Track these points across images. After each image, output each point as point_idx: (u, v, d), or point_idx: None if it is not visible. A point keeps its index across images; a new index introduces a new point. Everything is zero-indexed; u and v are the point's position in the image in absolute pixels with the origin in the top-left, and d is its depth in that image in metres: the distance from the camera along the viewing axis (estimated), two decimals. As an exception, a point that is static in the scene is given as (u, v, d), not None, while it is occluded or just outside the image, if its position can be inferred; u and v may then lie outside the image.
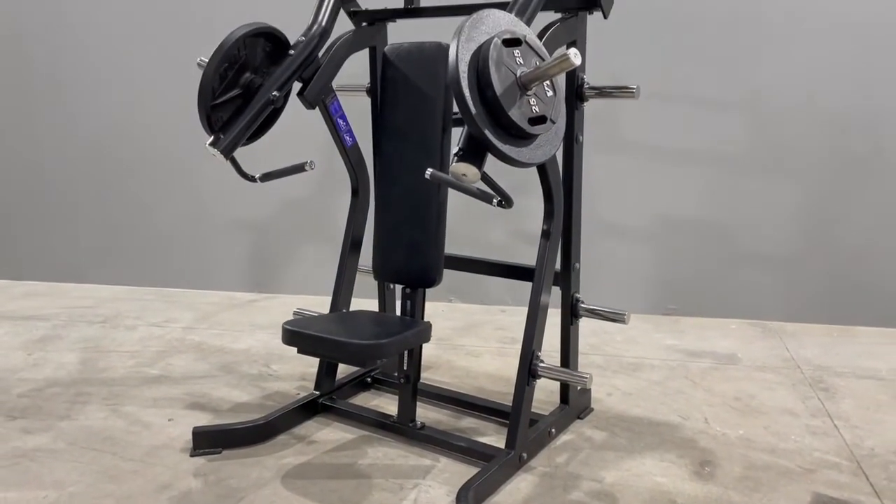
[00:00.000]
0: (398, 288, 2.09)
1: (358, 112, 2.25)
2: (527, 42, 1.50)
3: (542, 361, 1.86)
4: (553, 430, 2.00)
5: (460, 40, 1.41)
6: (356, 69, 2.21)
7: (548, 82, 1.51)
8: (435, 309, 3.12)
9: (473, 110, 1.40)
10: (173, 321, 3.07)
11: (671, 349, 2.74)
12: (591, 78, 1.93)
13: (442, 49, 1.92)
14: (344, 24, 2.09)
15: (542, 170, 1.80)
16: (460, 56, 1.40)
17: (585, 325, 2.13)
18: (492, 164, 1.48)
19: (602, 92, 1.92)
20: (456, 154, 1.47)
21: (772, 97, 2.92)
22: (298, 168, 2.00)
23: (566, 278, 2.04)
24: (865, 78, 2.85)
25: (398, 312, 2.05)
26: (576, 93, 1.91)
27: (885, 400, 2.28)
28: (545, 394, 2.16)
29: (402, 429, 2.00)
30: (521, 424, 1.83)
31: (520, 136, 1.47)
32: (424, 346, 2.01)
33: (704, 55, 2.94)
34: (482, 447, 1.89)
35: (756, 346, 2.77)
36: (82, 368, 2.53)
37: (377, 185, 2.09)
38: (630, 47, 2.90)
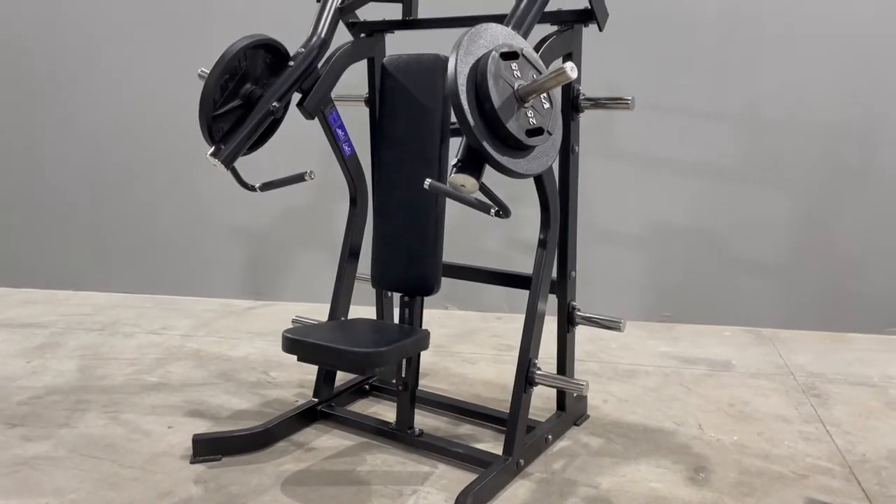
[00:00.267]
0: (396, 295, 2.10)
1: (356, 122, 2.28)
2: (524, 55, 1.53)
3: (538, 369, 1.88)
4: (550, 437, 2.02)
5: (459, 54, 1.44)
6: (354, 79, 2.23)
7: (545, 95, 1.54)
8: (432, 316, 3.14)
9: (472, 123, 1.42)
10: (171, 328, 3.08)
11: (666, 356, 2.77)
12: (586, 87, 1.96)
13: (440, 61, 1.95)
14: (343, 36, 2.11)
15: (539, 180, 1.83)
16: (459, 69, 1.43)
17: (581, 332, 2.15)
18: (489, 175, 1.50)
19: (598, 103, 1.95)
20: (455, 165, 1.50)
21: (765, 107, 2.96)
22: (298, 178, 2.02)
23: (562, 286, 2.07)
24: (857, 88, 2.89)
25: (396, 320, 2.07)
26: (572, 104, 1.94)
27: (876, 406, 2.31)
28: (542, 400, 2.19)
29: (401, 435, 2.02)
30: (519, 431, 1.85)
31: (517, 148, 1.50)
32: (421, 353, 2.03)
33: (699, 66, 2.98)
34: (480, 454, 1.91)
35: (750, 352, 2.80)
36: (81, 376, 2.54)
37: (375, 194, 2.11)
38: (625, 58, 2.94)
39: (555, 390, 2.12)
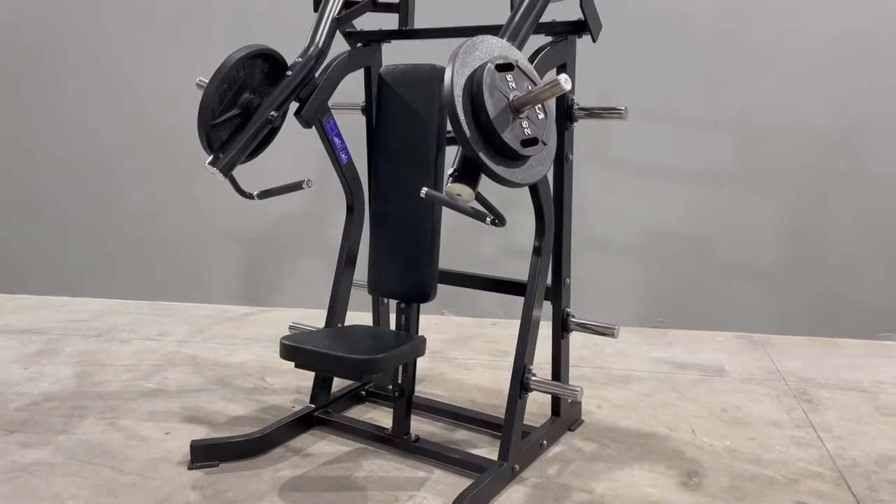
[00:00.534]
0: (392, 301, 2.12)
1: (353, 130, 2.30)
2: (519, 67, 1.56)
3: (533, 375, 1.90)
4: (544, 442, 2.04)
5: (455, 65, 1.47)
6: (351, 87, 2.25)
7: (539, 105, 1.57)
8: (428, 322, 3.16)
9: (468, 133, 1.45)
10: (168, 335, 3.09)
11: (659, 361, 2.79)
12: (579, 96, 1.99)
13: (436, 70, 1.97)
14: (340, 46, 2.14)
15: (534, 189, 1.85)
16: (455, 81, 1.45)
17: (575, 338, 2.17)
18: (484, 183, 1.53)
19: (591, 113, 1.97)
20: (451, 175, 1.52)
21: (757, 115, 3.00)
22: (296, 186, 2.03)
23: (557, 293, 2.09)
24: (847, 97, 2.93)
25: (392, 326, 2.08)
26: (566, 113, 1.97)
27: (867, 411, 2.34)
28: (536, 406, 2.20)
29: (397, 441, 2.04)
30: (514, 437, 1.87)
31: (512, 158, 1.52)
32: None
33: (691, 75, 3.02)
34: (475, 459, 1.93)
35: (742, 358, 2.83)
36: (78, 382, 2.55)
37: (372, 202, 2.13)
38: (618, 66, 2.97)
39: (549, 396, 2.14)
